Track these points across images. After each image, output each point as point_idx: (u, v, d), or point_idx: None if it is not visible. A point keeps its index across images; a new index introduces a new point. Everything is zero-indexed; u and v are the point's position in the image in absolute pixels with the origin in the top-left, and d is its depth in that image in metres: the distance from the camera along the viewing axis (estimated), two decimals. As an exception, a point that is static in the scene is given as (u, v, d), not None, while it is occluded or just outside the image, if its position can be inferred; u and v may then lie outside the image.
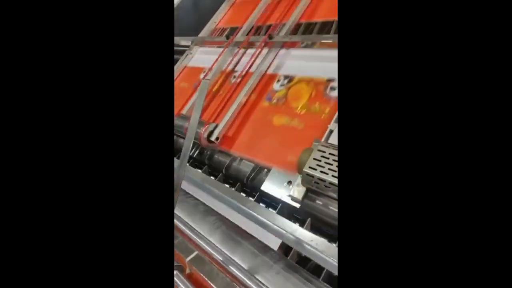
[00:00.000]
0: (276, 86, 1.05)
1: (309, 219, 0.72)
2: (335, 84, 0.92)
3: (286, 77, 1.05)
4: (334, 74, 0.94)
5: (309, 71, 1.01)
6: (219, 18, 1.56)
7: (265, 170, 0.91)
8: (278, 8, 1.33)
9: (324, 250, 0.53)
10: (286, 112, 0.96)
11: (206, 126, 1.00)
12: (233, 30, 1.32)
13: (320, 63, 1.02)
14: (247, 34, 1.25)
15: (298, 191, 0.75)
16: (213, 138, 1.00)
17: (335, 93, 0.90)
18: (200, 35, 1.50)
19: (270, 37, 1.13)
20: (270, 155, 0.91)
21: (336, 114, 0.84)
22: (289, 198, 0.77)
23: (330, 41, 1.00)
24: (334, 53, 0.97)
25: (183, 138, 0.98)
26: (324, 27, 1.15)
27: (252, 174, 0.93)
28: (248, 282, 0.50)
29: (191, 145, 0.79)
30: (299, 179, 0.74)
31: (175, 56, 1.46)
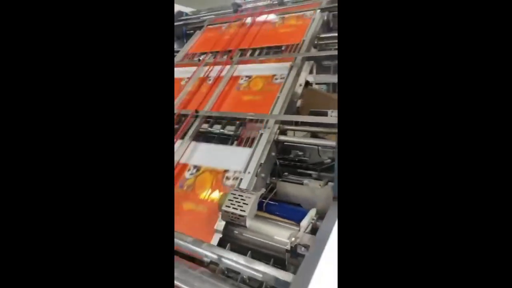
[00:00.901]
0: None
1: (228, 244, 1.00)
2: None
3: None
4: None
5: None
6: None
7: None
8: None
9: (230, 258, 0.82)
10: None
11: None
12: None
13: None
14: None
15: (220, 225, 1.04)
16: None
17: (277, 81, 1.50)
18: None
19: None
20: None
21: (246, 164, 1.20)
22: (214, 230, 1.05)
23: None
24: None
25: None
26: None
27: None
28: (185, 287, 0.75)
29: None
30: (220, 216, 1.04)
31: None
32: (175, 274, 0.78)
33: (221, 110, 1.52)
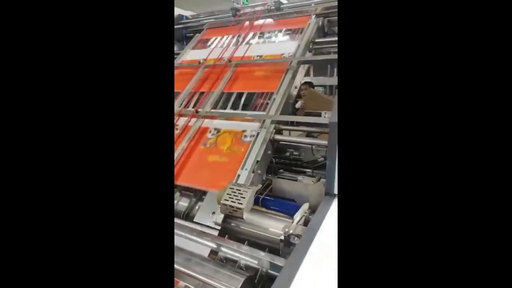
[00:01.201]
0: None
1: (226, 235, 1.08)
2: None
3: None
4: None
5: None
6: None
7: (197, 207, 1.25)
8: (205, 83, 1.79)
9: (228, 246, 0.89)
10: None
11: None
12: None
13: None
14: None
15: (219, 218, 1.11)
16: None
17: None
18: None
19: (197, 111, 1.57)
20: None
21: (243, 161, 1.27)
22: (213, 223, 1.12)
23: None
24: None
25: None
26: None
27: (187, 211, 1.26)
28: (188, 271, 0.82)
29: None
30: (219, 209, 1.11)
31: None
32: (179, 261, 0.85)
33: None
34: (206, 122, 1.55)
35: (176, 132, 1.52)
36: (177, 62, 2.08)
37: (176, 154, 1.40)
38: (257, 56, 1.79)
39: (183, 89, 1.77)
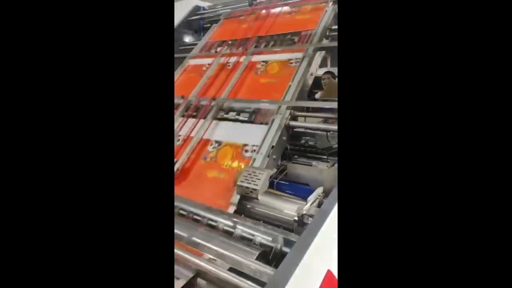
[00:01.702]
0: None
1: (242, 215, 1.12)
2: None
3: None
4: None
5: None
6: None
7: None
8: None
9: (244, 223, 0.94)
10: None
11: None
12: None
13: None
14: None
15: (235, 198, 1.16)
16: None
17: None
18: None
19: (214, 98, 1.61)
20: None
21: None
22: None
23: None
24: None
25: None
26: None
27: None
28: (208, 244, 0.87)
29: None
30: (235, 191, 1.16)
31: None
32: (200, 235, 0.91)
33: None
34: (255, 57, 1.75)
35: (229, 67, 1.77)
36: (198, 48, 2.13)
37: (231, 83, 1.63)
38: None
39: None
